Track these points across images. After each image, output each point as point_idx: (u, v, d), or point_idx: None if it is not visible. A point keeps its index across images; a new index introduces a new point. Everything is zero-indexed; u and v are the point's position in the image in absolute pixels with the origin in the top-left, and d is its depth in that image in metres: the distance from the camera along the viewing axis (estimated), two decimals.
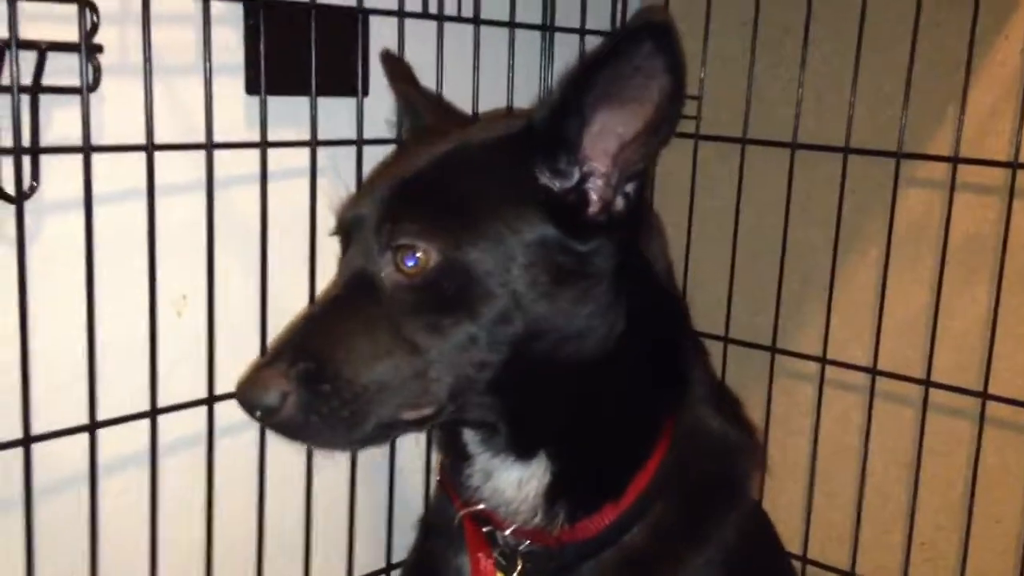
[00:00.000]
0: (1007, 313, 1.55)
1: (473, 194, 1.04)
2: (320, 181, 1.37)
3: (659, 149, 1.03)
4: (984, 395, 1.56)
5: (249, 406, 0.99)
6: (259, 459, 1.38)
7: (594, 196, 1.04)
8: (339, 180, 1.43)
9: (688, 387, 1.15)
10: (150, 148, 1.19)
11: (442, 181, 1.05)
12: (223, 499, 1.36)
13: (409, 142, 1.17)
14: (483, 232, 1.00)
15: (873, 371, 1.65)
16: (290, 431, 1.00)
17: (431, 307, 1.00)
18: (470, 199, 1.03)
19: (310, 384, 0.97)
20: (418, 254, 0.99)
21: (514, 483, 1.09)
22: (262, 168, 1.30)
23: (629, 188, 1.04)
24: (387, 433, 1.03)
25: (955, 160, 1.52)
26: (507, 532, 1.11)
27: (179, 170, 1.28)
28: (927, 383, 1.60)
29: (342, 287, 1.04)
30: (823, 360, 1.69)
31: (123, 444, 1.29)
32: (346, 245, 1.09)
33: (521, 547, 1.11)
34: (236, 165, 1.32)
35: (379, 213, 1.04)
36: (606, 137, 1.02)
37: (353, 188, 1.41)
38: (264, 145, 1.30)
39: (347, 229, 1.08)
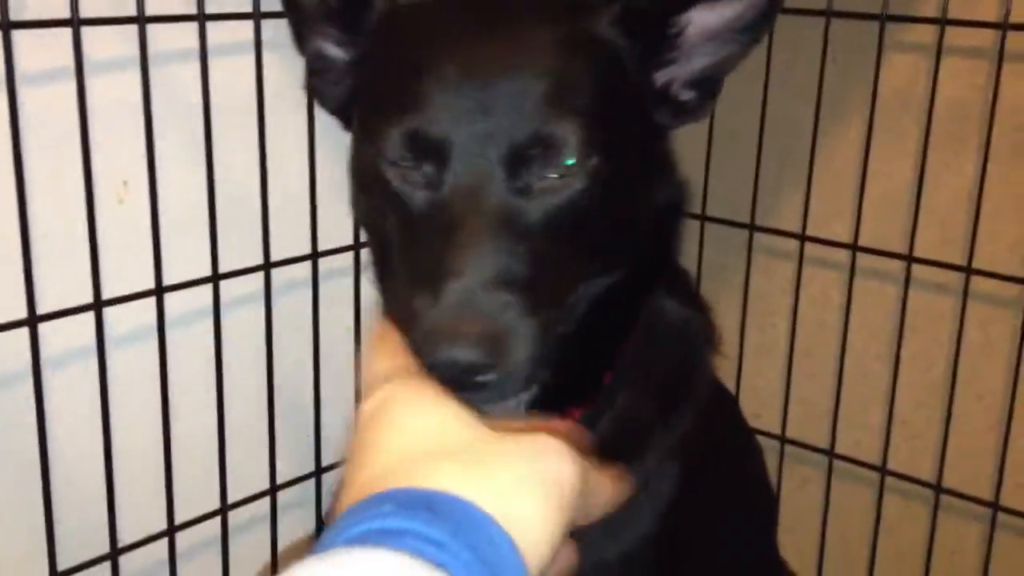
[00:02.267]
0: (993, 185, 1.49)
1: (594, 90, 0.95)
2: (266, 56, 1.28)
3: (751, 48, 1.01)
4: (968, 270, 1.51)
5: (461, 366, 0.83)
6: (215, 349, 1.33)
7: (676, 87, 1.02)
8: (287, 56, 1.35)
9: (667, 276, 1.11)
10: (76, 23, 1.11)
11: (563, 76, 0.92)
12: (178, 394, 1.31)
13: (444, 24, 0.97)
14: (613, 131, 0.94)
15: (854, 247, 1.59)
16: (513, 384, 0.87)
17: (578, 219, 0.92)
18: (594, 95, 0.94)
19: (536, 326, 0.86)
20: (577, 161, 0.90)
21: None
22: (201, 43, 1.21)
23: (711, 84, 1.03)
24: None
25: (943, 22, 1.44)
26: None
27: (111, 46, 1.19)
28: (909, 258, 1.55)
29: (487, 206, 0.88)
30: (803, 237, 1.63)
31: (68, 338, 1.23)
32: (441, 156, 0.91)
33: None
34: (173, 40, 1.23)
35: (524, 116, 0.90)
36: (698, 29, 0.99)
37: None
38: (202, 18, 1.21)
39: (451, 139, 0.90)
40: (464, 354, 0.83)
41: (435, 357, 0.82)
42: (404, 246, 0.95)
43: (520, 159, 0.90)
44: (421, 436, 0.67)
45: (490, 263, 0.86)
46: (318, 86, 1.12)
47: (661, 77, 1.02)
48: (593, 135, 0.91)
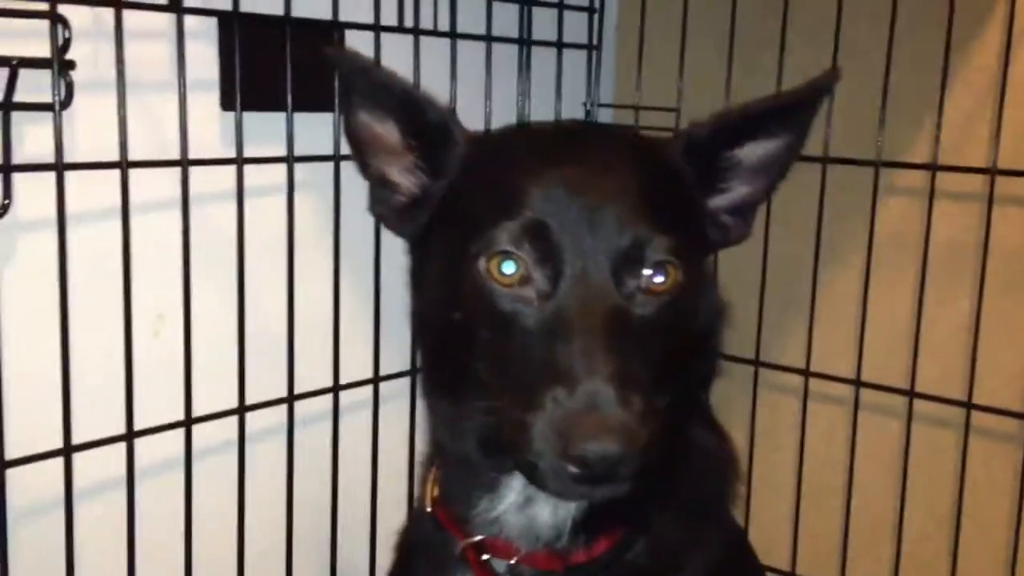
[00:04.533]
0: (989, 321, 1.54)
1: (679, 209, 1.06)
2: (298, 197, 1.35)
3: (781, 180, 1.14)
4: (968, 405, 1.55)
5: (615, 460, 0.86)
6: (239, 482, 1.35)
7: (720, 213, 1.13)
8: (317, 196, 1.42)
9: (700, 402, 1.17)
10: (124, 165, 1.17)
11: (652, 199, 1.00)
12: (201, 523, 1.33)
13: (543, 152, 1.05)
14: (688, 247, 1.01)
15: (857, 383, 1.64)
16: (635, 479, 0.89)
17: (663, 329, 0.98)
18: (680, 214, 1.05)
19: (652, 423, 0.89)
20: (668, 273, 0.97)
21: (552, 508, 1.05)
22: (238, 185, 1.28)
23: (749, 211, 1.15)
24: None
25: (934, 167, 1.52)
26: (512, 560, 1.06)
27: (154, 187, 1.26)
28: (911, 394, 1.59)
29: (603, 310, 0.94)
30: (807, 373, 1.68)
31: (100, 468, 1.26)
32: (555, 254, 0.96)
33: (524, 574, 1.07)
34: (212, 182, 1.30)
35: (628, 229, 0.96)
36: (744, 164, 1.11)
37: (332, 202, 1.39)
38: (240, 161, 1.28)
39: (564, 249, 0.96)
40: (615, 447, 0.86)
41: (585, 450, 0.86)
42: (505, 352, 0.97)
43: (624, 269, 0.96)
44: None
45: (615, 362, 0.90)
46: (385, 212, 1.15)
47: (711, 203, 1.12)
48: (679, 250, 0.98)
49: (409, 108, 1.09)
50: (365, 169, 1.14)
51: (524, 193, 0.98)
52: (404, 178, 1.12)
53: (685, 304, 1.01)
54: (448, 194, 1.09)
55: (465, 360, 1.01)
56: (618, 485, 0.89)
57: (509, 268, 0.96)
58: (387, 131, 1.11)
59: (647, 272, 0.96)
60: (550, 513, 1.05)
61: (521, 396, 0.92)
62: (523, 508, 1.06)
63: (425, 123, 1.09)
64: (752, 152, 1.10)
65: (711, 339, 1.13)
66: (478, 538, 1.08)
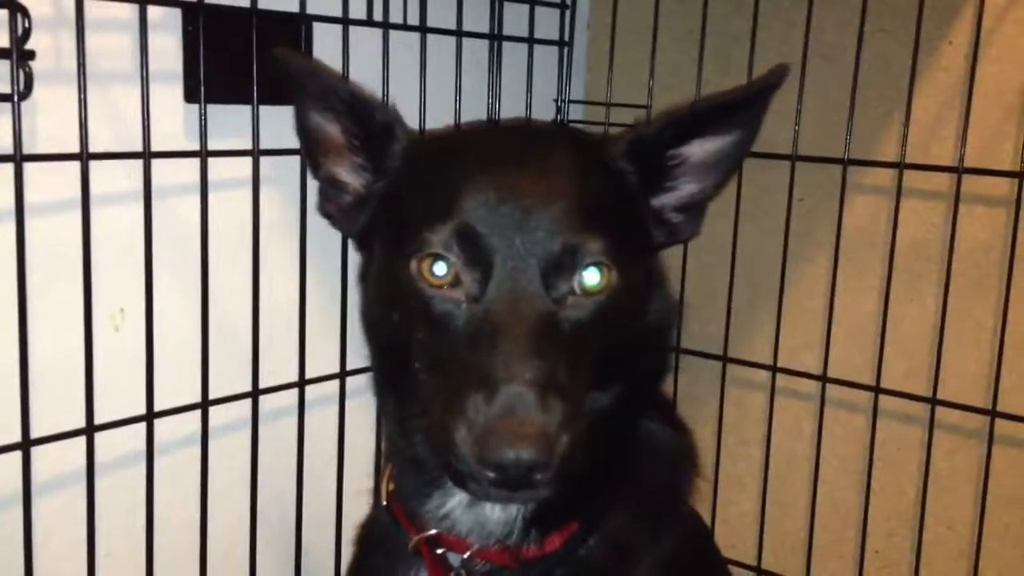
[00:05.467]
0: (954, 318, 1.55)
1: (616, 210, 1.06)
2: (263, 191, 1.34)
3: (731, 176, 1.14)
4: (933, 401, 1.56)
5: (530, 466, 0.87)
6: (201, 477, 1.35)
7: (667, 211, 1.13)
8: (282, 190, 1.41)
9: (656, 397, 1.17)
10: (84, 157, 1.16)
11: (587, 201, 1.00)
12: (164, 518, 1.32)
13: (480, 152, 1.06)
14: (626, 249, 1.01)
15: (823, 379, 1.65)
16: (556, 483, 0.90)
17: (598, 329, 0.98)
18: (617, 215, 1.05)
19: (573, 428, 0.90)
20: (602, 275, 0.98)
21: (500, 505, 1.05)
22: (202, 178, 1.27)
23: (698, 209, 1.14)
24: None
25: (901, 166, 1.53)
26: (466, 555, 1.08)
27: (116, 180, 1.25)
28: (877, 390, 1.60)
29: (529, 315, 0.94)
30: (774, 368, 1.69)
31: (58, 463, 1.25)
32: (485, 257, 0.96)
33: (478, 568, 1.08)
34: (175, 175, 1.29)
35: (558, 233, 0.97)
36: (691, 161, 1.11)
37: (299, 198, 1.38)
38: (204, 154, 1.27)
39: (494, 253, 0.96)
40: (530, 454, 0.86)
41: (500, 456, 0.86)
42: (437, 354, 0.98)
43: (554, 274, 0.96)
44: None
45: (537, 368, 0.90)
46: (333, 211, 1.16)
47: (657, 201, 1.11)
48: (613, 252, 0.98)
49: (356, 109, 1.10)
50: (316, 169, 1.16)
51: (457, 196, 0.98)
52: (352, 177, 1.14)
53: (623, 305, 1.01)
54: (388, 193, 1.10)
55: (406, 361, 1.02)
56: (538, 490, 0.90)
57: (440, 270, 0.98)
58: (336, 131, 1.12)
59: (578, 276, 0.97)
60: (499, 510, 1.06)
61: (448, 399, 0.93)
62: (472, 505, 1.07)
63: (372, 124, 1.10)
64: (700, 149, 1.11)
65: (661, 336, 1.14)
66: (431, 532, 1.08)
